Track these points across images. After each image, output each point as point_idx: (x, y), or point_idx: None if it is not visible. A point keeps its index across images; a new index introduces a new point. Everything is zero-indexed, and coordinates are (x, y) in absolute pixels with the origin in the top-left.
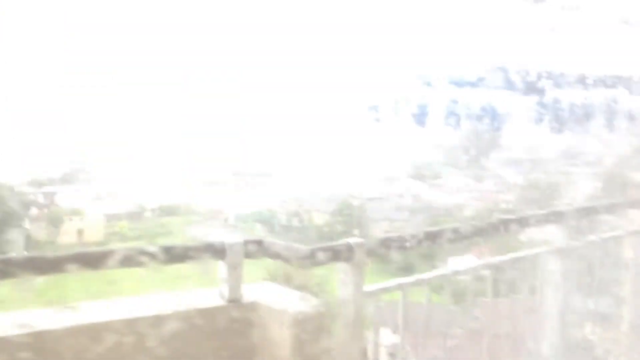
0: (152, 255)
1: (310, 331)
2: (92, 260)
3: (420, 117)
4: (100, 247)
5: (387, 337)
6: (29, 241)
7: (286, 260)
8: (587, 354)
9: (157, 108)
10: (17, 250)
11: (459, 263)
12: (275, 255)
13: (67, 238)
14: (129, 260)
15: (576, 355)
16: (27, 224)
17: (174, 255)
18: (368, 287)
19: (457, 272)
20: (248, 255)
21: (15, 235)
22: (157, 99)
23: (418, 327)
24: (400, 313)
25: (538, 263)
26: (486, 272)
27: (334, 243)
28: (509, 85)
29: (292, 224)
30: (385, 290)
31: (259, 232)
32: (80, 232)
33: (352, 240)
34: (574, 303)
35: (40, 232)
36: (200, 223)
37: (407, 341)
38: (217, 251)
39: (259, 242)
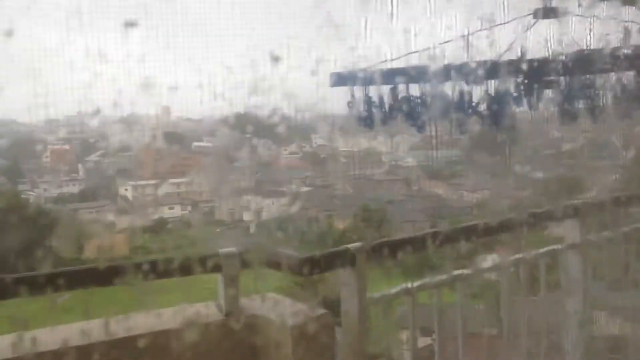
0: (148, 270)
1: (312, 343)
2: (89, 278)
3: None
4: (126, 261)
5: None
6: (55, 258)
7: (284, 268)
8: (618, 351)
9: None
10: (43, 267)
11: (483, 263)
12: (272, 264)
13: (91, 254)
14: (125, 276)
15: (606, 353)
16: (52, 241)
17: (170, 268)
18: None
19: (470, 274)
20: (244, 265)
21: (41, 252)
22: None
23: (444, 329)
24: (412, 315)
25: (563, 258)
26: (510, 270)
27: (333, 249)
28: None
29: (313, 229)
30: (393, 295)
31: (280, 239)
32: (104, 248)
33: (351, 245)
34: (602, 298)
35: (65, 248)
36: (223, 233)
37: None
38: (213, 263)
39: (255, 252)
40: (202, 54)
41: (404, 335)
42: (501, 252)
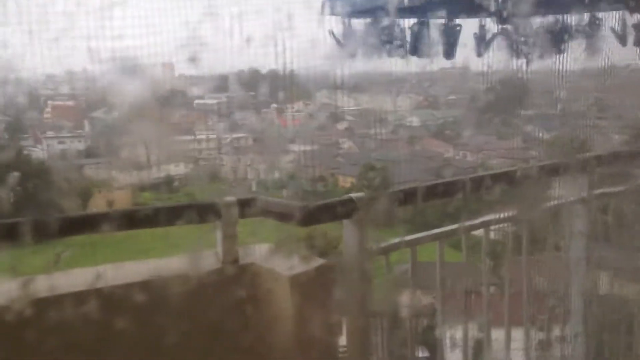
0: (144, 217)
1: (310, 293)
2: (83, 224)
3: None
4: (124, 209)
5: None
6: (58, 213)
7: (283, 218)
8: (618, 311)
9: None
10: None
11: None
12: (272, 214)
13: (95, 209)
14: (120, 223)
15: (606, 313)
16: (55, 197)
17: (167, 216)
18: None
19: (474, 226)
20: (243, 214)
21: (43, 207)
22: None
23: (444, 287)
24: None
25: (565, 216)
26: (511, 229)
27: (334, 199)
28: None
29: (317, 188)
30: (395, 246)
31: (283, 196)
32: (108, 204)
33: (354, 194)
34: (603, 257)
35: (70, 205)
36: (227, 190)
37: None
38: (211, 211)
39: (254, 201)
40: (206, 8)
41: (405, 293)
42: (505, 208)
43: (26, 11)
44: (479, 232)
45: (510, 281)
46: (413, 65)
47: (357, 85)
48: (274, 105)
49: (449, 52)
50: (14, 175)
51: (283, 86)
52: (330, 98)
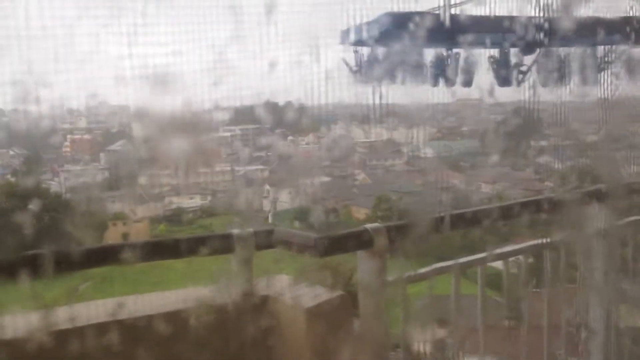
0: (160, 249)
1: (328, 326)
2: (102, 257)
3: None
4: (140, 241)
5: (432, 331)
6: (75, 245)
7: (298, 250)
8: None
9: None
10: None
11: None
12: (287, 245)
13: (111, 242)
14: (137, 255)
15: (628, 348)
16: (72, 229)
17: (184, 248)
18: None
19: (492, 257)
20: (259, 246)
21: (60, 240)
22: None
23: (462, 320)
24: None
25: (583, 246)
26: (529, 260)
27: (350, 230)
28: None
29: (331, 220)
30: (413, 278)
31: (299, 228)
32: (124, 237)
33: (370, 226)
34: (622, 289)
35: (86, 238)
36: (241, 223)
37: (452, 334)
38: (227, 243)
39: (270, 232)
40: (225, 42)
41: (422, 326)
42: (521, 240)
43: (52, 34)
44: (496, 264)
45: (530, 315)
46: (431, 94)
47: (372, 117)
48: (290, 137)
49: (467, 81)
50: (32, 209)
51: (299, 118)
52: (345, 129)
